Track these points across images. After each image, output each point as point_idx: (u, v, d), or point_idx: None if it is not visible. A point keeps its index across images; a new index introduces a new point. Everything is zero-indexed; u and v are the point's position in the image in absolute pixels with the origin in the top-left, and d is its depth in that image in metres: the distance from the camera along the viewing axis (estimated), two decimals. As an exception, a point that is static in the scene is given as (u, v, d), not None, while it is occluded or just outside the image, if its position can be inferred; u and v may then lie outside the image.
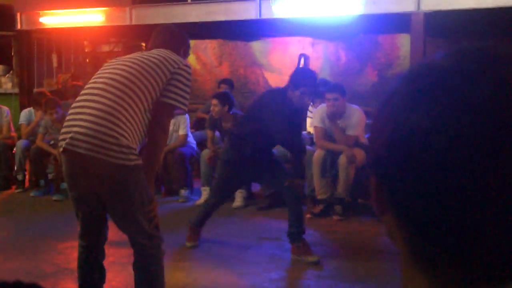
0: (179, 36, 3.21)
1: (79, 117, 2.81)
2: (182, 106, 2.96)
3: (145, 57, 2.95)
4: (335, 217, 5.69)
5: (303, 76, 4.47)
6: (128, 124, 2.77)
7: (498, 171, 0.52)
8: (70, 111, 2.92)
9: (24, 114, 7.45)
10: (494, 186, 0.52)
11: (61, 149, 2.85)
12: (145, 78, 2.86)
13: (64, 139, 2.82)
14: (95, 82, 2.91)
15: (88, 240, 3.05)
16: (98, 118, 2.75)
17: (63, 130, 2.87)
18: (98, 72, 3.02)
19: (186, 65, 2.97)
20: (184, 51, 3.19)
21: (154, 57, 2.93)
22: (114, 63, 2.99)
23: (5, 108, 7.50)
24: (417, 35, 6.49)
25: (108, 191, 2.83)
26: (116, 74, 2.87)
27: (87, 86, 2.96)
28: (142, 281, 3.02)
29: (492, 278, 0.56)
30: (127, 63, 2.92)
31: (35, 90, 8.24)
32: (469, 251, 0.55)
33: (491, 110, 0.53)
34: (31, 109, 7.45)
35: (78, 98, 2.94)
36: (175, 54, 3.02)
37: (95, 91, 2.84)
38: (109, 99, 2.79)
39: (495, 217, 0.53)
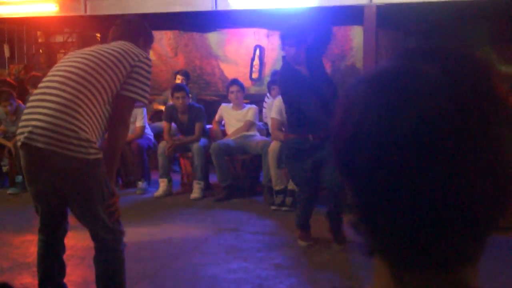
0: (138, 27, 3.21)
1: (37, 110, 2.80)
2: (143, 99, 2.98)
3: (105, 49, 2.95)
4: (284, 208, 5.77)
5: (290, 31, 4.44)
6: (87, 117, 2.78)
7: (428, 171, 0.58)
8: (28, 104, 2.91)
9: None
10: (424, 181, 0.59)
11: (19, 143, 2.83)
12: (104, 71, 2.86)
13: (22, 133, 2.80)
14: (53, 75, 2.90)
15: (48, 234, 3.04)
16: (57, 112, 2.74)
17: (21, 123, 2.85)
18: (57, 64, 3.00)
19: (147, 58, 2.99)
20: (144, 42, 3.18)
21: (113, 50, 2.94)
22: (73, 56, 2.98)
23: None
24: (370, 27, 6.63)
25: (68, 185, 2.84)
26: (75, 67, 2.86)
27: (45, 79, 2.95)
28: (103, 275, 3.03)
29: (430, 265, 0.62)
30: (86, 56, 2.92)
31: None
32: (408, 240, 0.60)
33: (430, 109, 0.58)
34: None
35: (36, 91, 2.93)
36: (135, 47, 3.02)
37: (54, 84, 2.83)
38: (68, 92, 2.79)
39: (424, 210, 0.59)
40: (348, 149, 0.63)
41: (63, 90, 2.79)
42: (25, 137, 2.77)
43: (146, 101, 3.07)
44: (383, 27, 7.27)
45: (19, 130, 2.85)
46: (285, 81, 4.53)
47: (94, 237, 2.98)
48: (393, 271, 0.64)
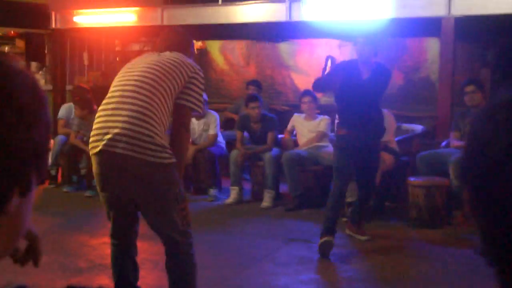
0: (187, 39, 3.32)
1: (115, 118, 2.89)
2: (199, 109, 3.10)
3: (166, 60, 3.04)
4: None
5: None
6: (160, 123, 2.89)
7: None
8: (102, 112, 2.99)
9: (64, 109, 7.37)
10: None
11: (96, 150, 2.90)
12: (169, 81, 2.96)
13: (100, 140, 2.88)
14: (125, 84, 2.98)
15: (120, 238, 3.13)
16: (134, 119, 2.84)
17: (98, 131, 2.93)
18: (123, 72, 3.09)
19: (200, 70, 3.11)
20: (191, 53, 3.29)
21: (174, 61, 3.04)
22: (139, 65, 3.06)
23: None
24: (447, 40, 6.50)
25: (144, 189, 2.91)
26: (145, 76, 2.96)
27: (115, 87, 3.03)
28: (176, 279, 3.08)
29: None
30: (153, 66, 3.01)
31: (75, 84, 8.26)
32: None
33: None
34: (70, 104, 7.35)
35: (109, 100, 3.00)
36: (188, 58, 3.13)
37: (128, 93, 2.92)
38: (142, 100, 2.88)
39: None
40: (491, 180, 0.64)
41: (138, 98, 2.89)
42: (105, 144, 2.86)
43: (201, 111, 3.19)
44: (460, 39, 7.10)
45: (96, 138, 2.93)
46: (341, 69, 4.79)
47: (167, 241, 3.03)
48: None
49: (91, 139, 2.99)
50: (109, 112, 2.94)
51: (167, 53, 3.12)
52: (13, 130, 0.71)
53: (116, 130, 2.85)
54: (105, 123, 2.92)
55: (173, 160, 2.89)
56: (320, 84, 4.99)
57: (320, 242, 4.60)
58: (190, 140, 6.88)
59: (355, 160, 4.75)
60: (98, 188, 3.06)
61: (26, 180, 0.75)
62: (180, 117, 3.04)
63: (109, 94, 3.05)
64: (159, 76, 2.95)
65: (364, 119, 4.66)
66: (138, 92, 2.91)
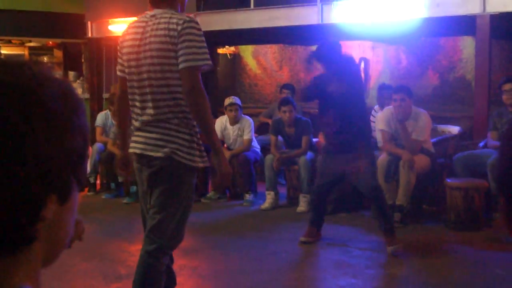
0: None
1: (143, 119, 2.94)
2: (208, 62, 2.81)
3: (157, 34, 2.84)
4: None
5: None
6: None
7: None
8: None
9: (100, 117, 7.48)
10: None
11: (137, 151, 2.97)
12: (166, 59, 2.84)
13: (139, 142, 2.96)
14: (139, 80, 2.92)
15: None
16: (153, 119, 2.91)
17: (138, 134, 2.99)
18: (128, 59, 2.96)
19: (191, 20, 2.81)
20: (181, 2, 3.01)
21: (161, 33, 2.82)
22: (140, 49, 2.90)
23: None
24: (483, 38, 6.39)
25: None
26: (154, 71, 2.86)
27: (131, 83, 2.98)
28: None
29: None
30: (153, 52, 2.85)
31: (111, 92, 8.38)
32: None
33: None
34: (107, 111, 7.51)
35: (131, 97, 2.99)
36: (175, 13, 2.87)
37: (146, 97, 2.91)
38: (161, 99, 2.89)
39: None
40: None
41: (156, 99, 2.90)
42: (141, 148, 2.94)
43: (210, 62, 2.83)
44: (496, 37, 6.98)
45: (137, 140, 3.00)
46: (312, 85, 5.02)
47: (151, 238, 2.98)
48: None
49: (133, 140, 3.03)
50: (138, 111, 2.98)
51: (155, 19, 2.87)
52: (44, 136, 0.73)
53: (146, 134, 2.92)
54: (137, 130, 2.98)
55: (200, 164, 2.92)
56: (306, 95, 5.28)
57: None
58: (225, 144, 6.94)
59: (339, 164, 4.80)
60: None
61: (63, 186, 0.77)
62: (186, 83, 2.78)
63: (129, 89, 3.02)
64: (163, 61, 2.84)
65: (342, 130, 4.73)
66: (154, 93, 2.88)
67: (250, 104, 9.35)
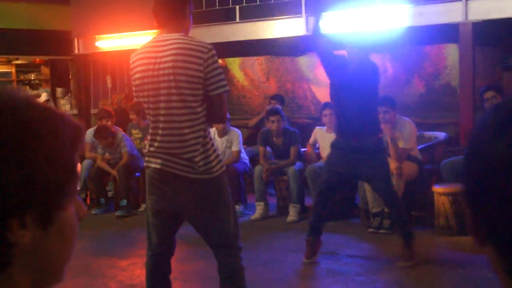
0: (180, 5, 3.05)
1: (164, 138, 2.99)
2: (227, 88, 3.00)
3: (177, 59, 2.89)
4: (381, 231, 5.70)
5: None
6: (197, 132, 2.98)
7: None
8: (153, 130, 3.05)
9: (89, 133, 7.39)
10: None
11: (157, 166, 3.00)
12: (187, 83, 2.91)
13: (157, 156, 3.00)
14: (158, 101, 2.97)
15: (159, 248, 3.17)
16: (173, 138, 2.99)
17: (154, 149, 3.02)
18: (146, 81, 3.00)
19: (212, 48, 2.91)
20: (189, 12, 3.08)
21: (183, 59, 2.87)
22: (159, 71, 2.95)
23: None
24: (466, 45, 6.49)
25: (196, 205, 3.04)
26: (176, 87, 2.91)
27: (149, 105, 3.03)
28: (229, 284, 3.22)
29: None
30: (172, 78, 2.91)
31: (100, 108, 8.38)
32: None
33: None
34: (95, 127, 7.44)
35: (154, 118, 3.03)
36: (191, 38, 2.95)
37: (166, 113, 2.96)
38: (173, 116, 2.96)
39: None
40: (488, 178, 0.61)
41: (175, 115, 2.98)
42: (162, 164, 2.99)
43: (228, 88, 3.03)
44: (479, 44, 7.07)
45: (153, 154, 3.03)
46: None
47: (220, 251, 3.23)
48: None
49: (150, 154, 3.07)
50: (158, 131, 3.01)
51: (171, 44, 2.92)
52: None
53: (167, 150, 2.97)
54: (158, 142, 3.00)
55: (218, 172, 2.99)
56: (323, 54, 5.05)
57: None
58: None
59: (347, 163, 4.66)
60: (151, 202, 3.12)
61: (42, 211, 0.74)
62: (220, 108, 2.98)
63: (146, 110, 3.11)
64: (184, 86, 2.90)
65: (355, 121, 4.57)
66: (170, 114, 2.95)
67: (238, 116, 9.38)
